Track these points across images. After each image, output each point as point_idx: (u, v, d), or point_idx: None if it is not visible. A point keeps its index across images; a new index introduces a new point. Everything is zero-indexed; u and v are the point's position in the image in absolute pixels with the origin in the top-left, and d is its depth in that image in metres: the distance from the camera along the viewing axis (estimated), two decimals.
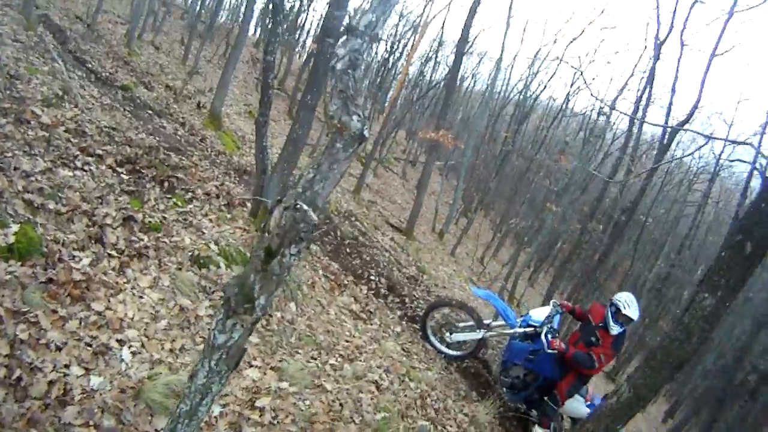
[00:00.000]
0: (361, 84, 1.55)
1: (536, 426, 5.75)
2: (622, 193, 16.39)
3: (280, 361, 3.91)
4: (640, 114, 15.01)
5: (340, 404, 3.89)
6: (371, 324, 5.89)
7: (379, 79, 24.71)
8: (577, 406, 5.78)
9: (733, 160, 15.52)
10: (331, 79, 1.52)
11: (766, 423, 19.06)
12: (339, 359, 4.53)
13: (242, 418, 3.25)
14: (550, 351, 5.34)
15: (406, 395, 4.74)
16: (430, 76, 26.57)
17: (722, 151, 23.39)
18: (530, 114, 25.36)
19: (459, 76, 19.90)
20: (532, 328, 5.72)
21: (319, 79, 5.20)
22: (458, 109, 32.78)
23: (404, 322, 6.66)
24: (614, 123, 23.37)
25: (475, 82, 33.25)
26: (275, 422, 3.38)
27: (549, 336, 5.43)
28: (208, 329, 3.47)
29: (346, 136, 1.52)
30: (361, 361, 4.72)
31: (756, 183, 17.36)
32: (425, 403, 4.94)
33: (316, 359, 4.30)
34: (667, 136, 12.60)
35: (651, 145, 20.22)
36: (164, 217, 4.67)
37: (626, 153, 15.67)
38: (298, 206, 1.55)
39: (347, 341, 4.97)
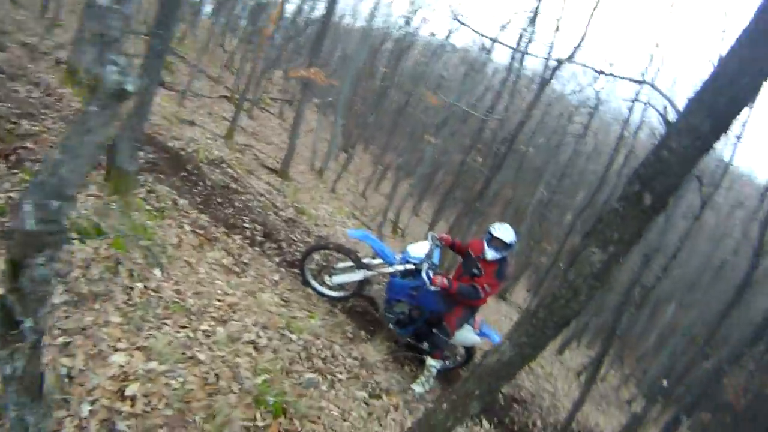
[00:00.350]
0: (128, 24, 1.09)
1: (428, 357, 5.77)
2: (503, 125, 16.71)
3: (146, 337, 3.56)
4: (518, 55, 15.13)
5: (216, 375, 3.61)
6: (246, 277, 5.58)
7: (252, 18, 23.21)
8: (466, 335, 5.87)
9: (633, 100, 15.91)
10: (88, 19, 1.05)
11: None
12: (211, 323, 4.22)
13: (113, 413, 2.93)
14: (432, 288, 5.33)
15: (288, 350, 4.52)
16: (309, 14, 25.28)
17: (603, 87, 24.51)
18: (410, 49, 25.12)
19: (336, 13, 19.20)
20: (413, 265, 5.65)
21: (168, 18, 4.48)
22: (337, 47, 32.02)
23: (283, 269, 6.41)
24: (496, 59, 23.59)
25: (355, 19, 32.40)
26: (149, 409, 3.08)
27: (430, 273, 5.40)
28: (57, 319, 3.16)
29: (100, 95, 1.07)
30: (235, 320, 4.43)
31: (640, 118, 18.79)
32: (310, 354, 4.75)
33: (186, 327, 3.97)
34: (549, 71, 12.67)
35: (531, 80, 20.68)
36: (10, 197, 4.16)
37: (506, 86, 15.85)
38: (42, 203, 1.09)
39: (219, 300, 4.62)
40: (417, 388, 5.75)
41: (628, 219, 2.29)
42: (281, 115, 19.39)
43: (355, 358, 5.29)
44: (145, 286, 4.05)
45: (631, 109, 17.33)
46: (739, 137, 14.48)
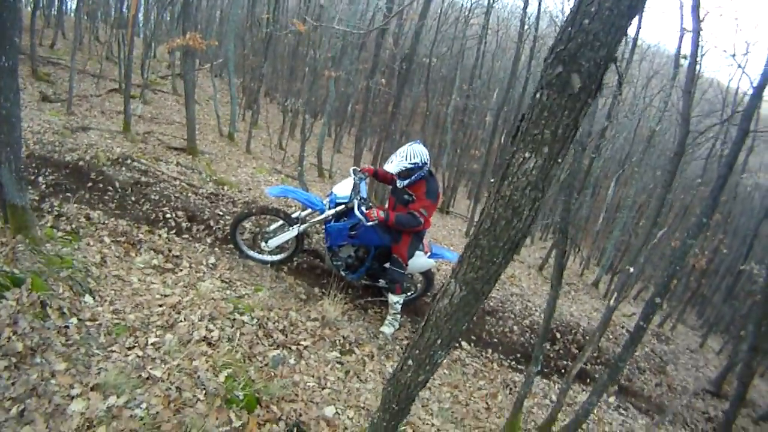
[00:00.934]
0: None
1: (389, 294, 5.68)
2: (399, 42, 16.34)
3: (97, 373, 3.29)
4: None
5: (177, 388, 3.37)
6: (181, 270, 5.27)
7: None
8: (419, 260, 5.81)
9: None
10: None
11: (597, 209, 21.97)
12: (158, 332, 3.95)
13: None
14: (370, 224, 5.18)
15: (243, 334, 4.30)
16: None
17: None
18: None
19: None
20: (343, 206, 5.49)
21: (9, 29, 3.85)
22: (214, 6, 30.59)
23: (217, 249, 6.12)
24: None
25: None
26: None
27: (363, 208, 5.21)
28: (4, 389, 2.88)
29: None
30: (181, 321, 4.16)
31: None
32: (268, 331, 4.56)
33: (134, 347, 3.71)
34: None
35: None
36: None
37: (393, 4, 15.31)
38: None
39: (160, 306, 4.34)
40: (386, 329, 5.70)
41: (558, 110, 1.87)
42: (176, 92, 18.38)
43: (315, 320, 5.12)
44: (79, 320, 3.74)
45: None
46: (642, 8, 14.46)
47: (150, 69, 18.39)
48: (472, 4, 24.60)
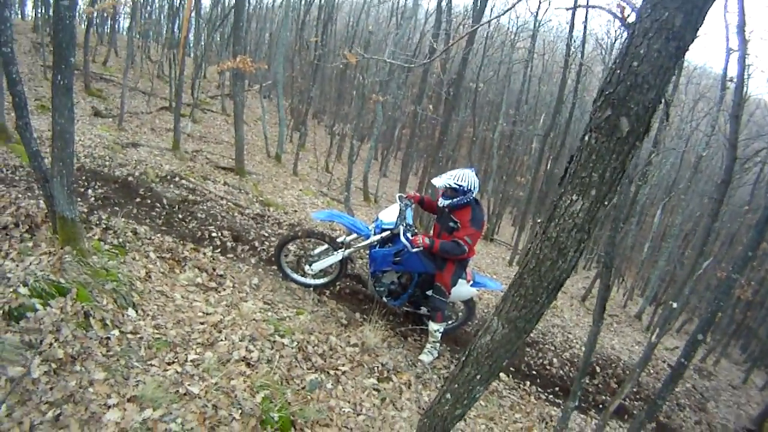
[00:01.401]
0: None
1: (430, 323, 5.64)
2: (446, 67, 16.38)
3: (135, 385, 3.32)
4: None
5: (214, 406, 3.39)
6: (224, 290, 5.31)
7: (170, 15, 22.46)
8: (461, 289, 5.75)
9: (573, 8, 15.33)
10: None
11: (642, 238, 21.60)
12: (198, 350, 3.98)
13: None
14: (415, 250, 5.17)
15: (282, 356, 4.31)
16: (228, 2, 24.36)
17: (539, 7, 24.20)
18: (336, 12, 24.44)
19: None
20: (388, 231, 5.48)
21: (65, 49, 4.03)
22: (263, 28, 31.31)
23: (261, 270, 6.16)
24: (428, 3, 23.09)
25: None
26: None
27: (408, 235, 5.24)
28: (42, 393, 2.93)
29: None
30: (222, 340, 4.19)
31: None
32: (307, 354, 4.56)
33: (173, 363, 3.74)
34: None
35: (465, 15, 20.27)
36: None
37: (441, 27, 15.40)
38: None
39: (201, 323, 4.39)
40: (425, 357, 5.65)
41: (606, 153, 1.89)
42: (225, 111, 18.77)
43: (354, 345, 5.12)
44: (121, 332, 3.80)
45: (572, 18, 16.87)
46: None
47: (200, 89, 18.77)
48: (518, 28, 24.61)
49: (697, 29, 1.81)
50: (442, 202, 5.31)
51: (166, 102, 16.06)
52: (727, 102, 11.42)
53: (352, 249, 5.81)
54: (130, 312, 4.10)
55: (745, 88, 9.39)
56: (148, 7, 24.36)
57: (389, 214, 5.65)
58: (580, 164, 1.92)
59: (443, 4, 15.26)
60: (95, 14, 18.45)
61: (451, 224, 5.29)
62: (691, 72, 23.23)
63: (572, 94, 17.94)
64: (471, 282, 5.83)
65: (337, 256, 5.78)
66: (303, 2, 25.95)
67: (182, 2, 20.89)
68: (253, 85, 23.89)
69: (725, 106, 12.17)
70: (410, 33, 19.22)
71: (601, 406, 6.91)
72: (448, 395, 2.53)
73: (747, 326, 20.72)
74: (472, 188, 5.13)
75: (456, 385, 2.47)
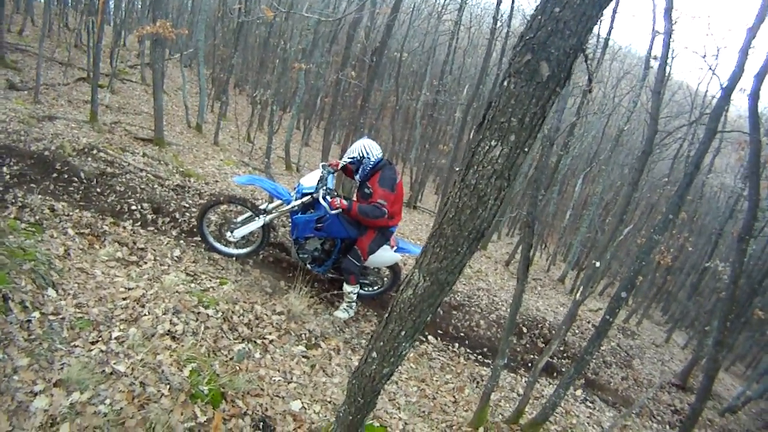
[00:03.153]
0: None
1: (345, 284, 5.74)
2: (370, 35, 16.25)
3: (60, 368, 3.20)
4: None
5: (141, 383, 3.32)
6: (145, 263, 5.17)
7: None
8: (384, 254, 5.89)
9: None
10: None
11: (563, 206, 22.42)
12: (122, 326, 3.86)
13: None
14: (334, 212, 5.29)
15: (208, 327, 4.25)
16: None
17: None
18: None
19: None
20: (309, 196, 5.51)
21: None
22: None
23: (182, 241, 6.02)
24: None
25: None
26: None
27: (328, 197, 5.34)
28: None
29: None
30: (145, 315, 4.09)
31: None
32: (233, 324, 4.52)
33: (97, 342, 3.62)
34: None
35: None
36: None
37: None
38: None
39: (124, 299, 4.25)
40: (340, 314, 5.79)
41: (526, 98, 1.84)
42: (144, 82, 18.00)
43: (280, 313, 5.09)
44: (42, 313, 3.64)
45: None
46: (615, 9, 14.69)
47: (119, 58, 18.05)
48: (445, 0, 24.62)
49: None
50: (357, 177, 5.48)
51: (84, 72, 15.26)
52: (650, 80, 11.88)
53: (273, 215, 5.81)
54: (50, 292, 3.94)
55: (668, 68, 9.77)
56: None
57: (310, 179, 5.66)
58: (499, 109, 1.87)
59: None
60: None
61: (366, 191, 5.42)
62: (616, 51, 23.99)
63: (497, 66, 18.20)
64: (395, 248, 5.97)
65: (259, 221, 5.76)
66: None
67: None
68: (174, 54, 22.95)
69: (648, 83, 12.65)
70: (336, 0, 18.84)
71: (529, 364, 7.14)
72: (374, 354, 2.50)
73: (667, 290, 21.88)
74: (369, 155, 5.32)
75: (381, 343, 2.44)
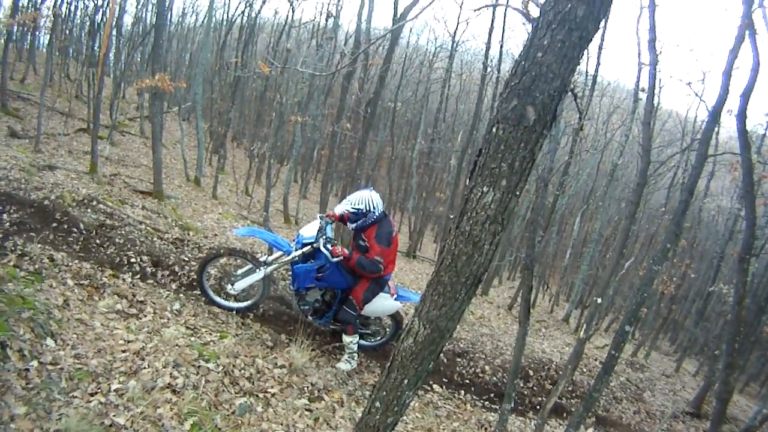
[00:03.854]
0: None
1: (344, 335, 5.69)
2: (364, 87, 16.53)
3: (58, 419, 3.17)
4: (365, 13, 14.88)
5: None
6: (145, 316, 5.12)
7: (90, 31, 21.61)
8: (383, 303, 5.84)
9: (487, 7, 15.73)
10: None
11: (563, 245, 22.38)
12: (122, 379, 3.82)
13: None
14: (335, 260, 5.27)
15: (208, 381, 4.19)
16: (149, 21, 23.69)
17: (457, 27, 24.87)
18: (257, 33, 24.34)
19: (173, 14, 18.27)
20: (310, 246, 5.50)
21: None
22: (184, 48, 30.91)
23: (181, 295, 5.98)
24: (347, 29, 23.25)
25: (197, 15, 31.11)
26: None
27: (328, 246, 5.31)
28: None
29: None
30: (145, 368, 4.04)
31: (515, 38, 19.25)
32: (234, 378, 4.44)
33: (96, 393, 3.59)
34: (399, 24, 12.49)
35: (385, 36, 20.59)
36: None
37: (360, 47, 15.53)
38: None
39: (123, 351, 4.21)
40: (342, 365, 5.72)
41: (514, 143, 1.90)
42: (143, 134, 18.23)
43: (282, 367, 5.02)
44: (40, 363, 3.61)
45: (489, 37, 17.47)
46: (600, 46, 14.99)
47: (119, 110, 18.30)
48: (436, 49, 25.19)
49: (600, 20, 1.88)
50: (349, 225, 5.51)
51: (84, 123, 15.50)
52: (640, 112, 12.04)
53: (274, 266, 5.76)
54: (49, 341, 3.90)
55: (656, 98, 9.93)
56: (69, 23, 23.30)
57: (310, 230, 5.68)
58: (489, 156, 1.93)
59: (362, 26, 15.34)
60: (15, 28, 17.61)
61: (362, 243, 5.45)
62: (604, 87, 24.44)
63: (489, 111, 18.46)
64: (395, 296, 5.91)
65: (260, 273, 5.71)
66: (224, 22, 25.71)
67: (103, 19, 20.24)
68: (172, 107, 23.31)
69: (638, 115, 12.80)
70: (330, 55, 19.24)
71: (538, 407, 7.01)
72: (378, 403, 2.46)
73: (673, 319, 21.73)
74: (371, 208, 5.33)
75: (384, 393, 2.41)
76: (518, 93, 1.88)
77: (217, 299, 5.97)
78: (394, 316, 6.24)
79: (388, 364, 2.40)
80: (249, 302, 6.03)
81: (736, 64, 5.40)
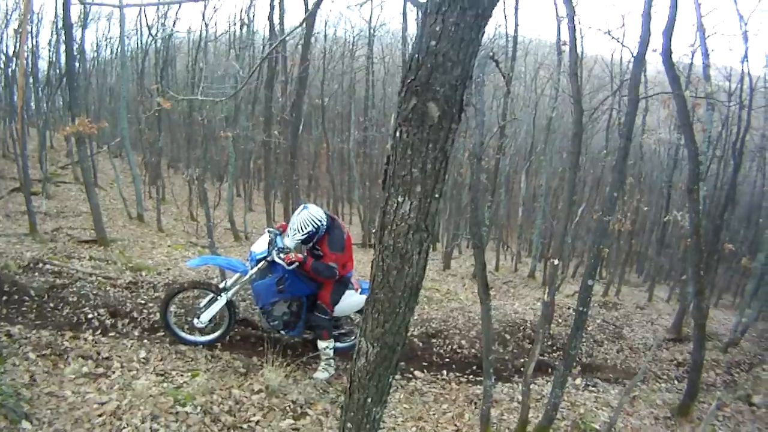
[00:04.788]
0: None
1: (319, 341, 5.69)
2: (286, 90, 16.33)
3: None
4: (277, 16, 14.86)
5: None
6: (113, 373, 4.99)
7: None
8: (351, 300, 5.89)
9: None
10: None
11: (513, 204, 22.65)
12: None
13: None
14: (291, 267, 5.31)
15: (189, 426, 4.15)
16: (62, 63, 22.73)
17: (371, 13, 24.84)
18: (174, 55, 23.81)
19: (83, 50, 17.71)
20: (264, 261, 5.50)
21: None
22: (104, 83, 30.16)
23: (145, 340, 5.84)
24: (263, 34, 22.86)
25: (111, 47, 30.16)
26: None
27: (281, 255, 5.34)
28: None
29: None
30: (124, 428, 3.97)
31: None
32: (214, 416, 4.38)
33: None
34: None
35: (301, 36, 20.39)
36: None
37: (273, 49, 15.34)
38: None
39: (100, 415, 4.11)
40: (320, 374, 5.70)
41: (422, 145, 1.78)
42: (78, 181, 17.62)
43: (259, 391, 4.96)
44: None
45: (404, 18, 17.51)
46: (516, 7, 15.11)
47: (49, 161, 17.68)
48: (354, 37, 25.04)
49: None
50: (307, 246, 5.55)
51: (17, 182, 14.83)
52: (565, 64, 12.21)
53: (234, 289, 5.74)
54: (24, 424, 3.80)
55: (579, 48, 10.07)
56: None
57: (261, 245, 5.64)
58: (398, 163, 1.82)
59: (276, 28, 15.11)
60: None
61: (316, 252, 5.49)
62: (527, 45, 24.71)
63: None
64: (359, 290, 5.93)
65: (222, 300, 5.67)
66: (139, 49, 25.04)
67: (16, 69, 19.37)
68: (102, 146, 22.58)
69: (564, 68, 12.99)
70: (250, 63, 18.89)
71: (521, 369, 7.06)
72: (349, 425, 2.43)
73: (636, 252, 22.26)
74: (321, 222, 5.32)
75: (352, 413, 2.38)
76: (416, 90, 1.75)
77: (186, 337, 5.89)
78: (361, 311, 6.22)
79: (348, 385, 2.36)
80: (219, 332, 5.97)
81: (653, 3, 5.46)
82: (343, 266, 5.52)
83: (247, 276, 5.60)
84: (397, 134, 1.83)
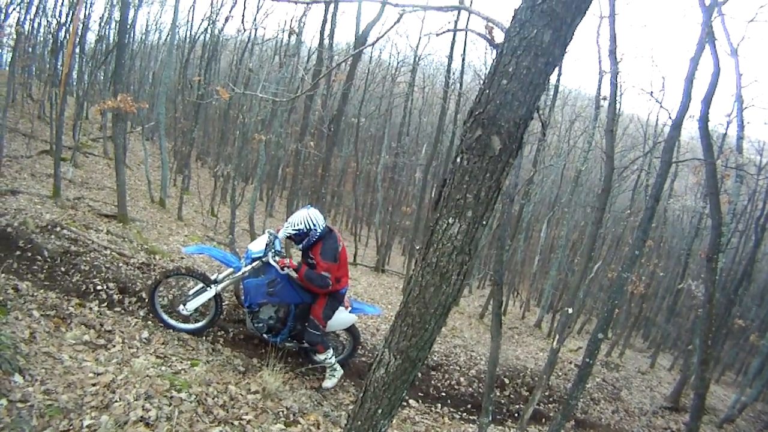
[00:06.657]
0: None
1: (316, 355, 5.70)
2: (327, 104, 16.53)
3: None
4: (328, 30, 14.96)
5: None
6: (113, 347, 4.99)
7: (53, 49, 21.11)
8: (340, 317, 5.87)
9: (449, 31, 15.98)
10: None
11: (531, 253, 22.57)
12: (93, 414, 3.70)
13: None
14: (284, 272, 5.33)
15: (182, 412, 4.08)
16: (111, 39, 23.18)
17: (419, 42, 25.25)
18: (220, 51, 24.16)
19: (134, 30, 17.97)
20: (258, 260, 5.51)
21: None
22: (147, 67, 30.53)
23: (149, 322, 5.83)
24: (310, 45, 23.26)
25: (160, 33, 30.71)
26: None
27: (276, 258, 5.35)
28: None
29: None
30: (117, 401, 3.92)
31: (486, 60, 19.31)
32: (207, 407, 4.33)
33: (68, 431, 3.48)
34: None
35: (347, 51, 20.62)
36: None
37: (322, 64, 15.54)
38: None
39: (94, 385, 4.09)
40: (328, 383, 5.78)
41: (479, 173, 1.88)
42: (107, 155, 17.92)
43: (255, 392, 4.93)
44: (9, 401, 3.49)
45: (451, 50, 17.64)
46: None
47: (81, 131, 17.96)
48: (398, 63, 25.32)
49: (566, 45, 1.86)
50: (297, 246, 5.55)
51: (47, 145, 15.14)
52: (602, 119, 12.27)
53: (224, 283, 5.76)
54: (17, 378, 3.79)
55: (618, 105, 10.16)
56: (32, 39, 22.70)
57: (258, 244, 5.67)
58: (454, 186, 1.91)
59: (325, 41, 15.36)
60: None
61: (310, 260, 5.50)
62: (566, 95, 24.86)
63: (452, 123, 18.58)
64: (349, 308, 5.98)
65: (211, 292, 5.68)
66: (187, 40, 25.43)
67: (66, 37, 19.70)
68: (136, 127, 22.92)
69: (600, 123, 13.04)
70: (293, 71, 19.21)
71: (516, 415, 7.04)
72: None
73: (645, 317, 22.04)
74: (312, 226, 5.36)
75: (359, 422, 2.38)
76: (483, 122, 1.86)
77: (174, 323, 5.88)
78: (350, 330, 6.27)
79: (361, 394, 2.38)
80: (205, 321, 5.97)
81: (696, 72, 5.52)
82: (337, 281, 5.50)
83: (240, 273, 5.63)
84: (458, 160, 1.92)
